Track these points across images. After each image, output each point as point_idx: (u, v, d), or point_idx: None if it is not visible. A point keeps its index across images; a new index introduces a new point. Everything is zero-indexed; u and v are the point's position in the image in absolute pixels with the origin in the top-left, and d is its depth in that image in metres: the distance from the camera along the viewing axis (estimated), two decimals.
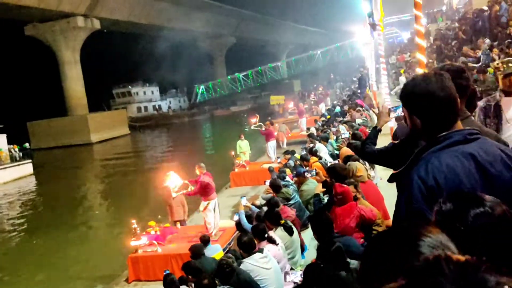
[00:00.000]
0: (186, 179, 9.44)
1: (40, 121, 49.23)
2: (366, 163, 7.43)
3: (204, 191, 9.11)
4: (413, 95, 1.70)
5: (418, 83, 1.68)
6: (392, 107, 3.34)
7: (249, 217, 6.97)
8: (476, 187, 1.52)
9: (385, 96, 12.91)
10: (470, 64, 12.38)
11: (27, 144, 32.74)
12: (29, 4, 41.10)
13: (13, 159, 30.21)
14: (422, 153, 1.66)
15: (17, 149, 31.08)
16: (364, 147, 3.16)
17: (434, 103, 1.63)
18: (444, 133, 1.63)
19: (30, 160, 31.13)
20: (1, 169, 28.42)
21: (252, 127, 17.78)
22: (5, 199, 23.42)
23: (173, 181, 9.24)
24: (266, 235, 5.40)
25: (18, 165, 29.95)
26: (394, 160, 2.39)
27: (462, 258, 0.74)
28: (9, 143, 31.29)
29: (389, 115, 3.29)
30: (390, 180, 2.18)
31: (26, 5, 40.98)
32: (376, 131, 3.27)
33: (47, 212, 19.49)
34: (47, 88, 60.40)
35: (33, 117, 49.51)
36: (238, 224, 7.27)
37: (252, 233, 5.49)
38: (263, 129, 17.43)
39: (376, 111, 3.61)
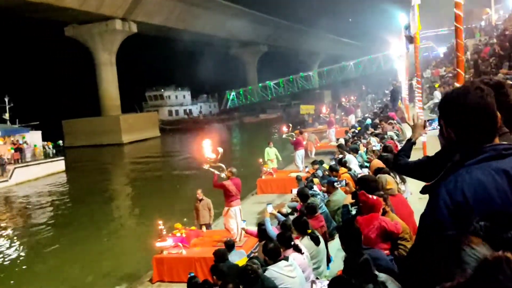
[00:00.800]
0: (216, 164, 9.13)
1: (75, 120, 50.61)
2: (397, 176, 7.32)
3: (224, 193, 9.12)
4: (451, 107, 1.67)
5: (458, 95, 1.65)
6: (428, 120, 3.28)
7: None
8: (508, 205, 1.47)
9: (418, 110, 12.70)
10: (509, 82, 12.05)
11: (60, 142, 33.61)
12: (70, 5, 42.41)
13: (46, 155, 31.05)
14: (455, 167, 1.63)
15: (50, 146, 31.93)
16: (397, 159, 3.10)
17: (471, 116, 1.59)
18: (479, 147, 1.60)
19: (63, 157, 31.93)
20: (35, 164, 29.26)
21: (284, 136, 17.77)
22: (37, 194, 24.07)
23: (208, 150, 8.98)
24: (292, 243, 5.36)
25: (51, 161, 30.75)
26: (428, 173, 2.35)
27: None
28: (44, 140, 32.19)
29: (424, 128, 3.23)
30: (423, 191, 2.14)
31: (67, 7, 42.29)
32: (410, 143, 3.22)
33: (75, 209, 19.93)
34: (83, 88, 61.98)
35: (69, 116, 50.92)
36: (261, 232, 7.24)
37: (278, 241, 5.46)
38: (293, 138, 17.40)
39: (411, 123, 3.55)
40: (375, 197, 4.55)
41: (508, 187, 1.51)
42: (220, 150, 9.06)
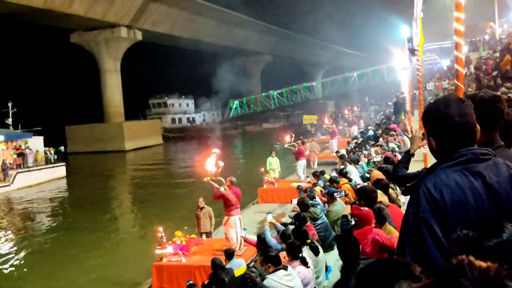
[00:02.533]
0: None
1: (78, 126, 50.81)
2: (397, 188, 7.33)
3: (224, 202, 9.15)
4: (431, 117, 1.74)
5: (438, 106, 1.72)
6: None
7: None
8: (482, 206, 1.55)
9: (420, 123, 12.74)
10: (510, 96, 12.07)
11: (62, 148, 33.72)
12: (76, 12, 42.78)
13: (48, 161, 31.14)
14: (435, 168, 1.69)
15: (52, 152, 32.03)
16: (396, 171, 3.14)
17: (449, 127, 1.67)
18: (458, 151, 1.65)
19: (64, 163, 32.05)
20: (37, 170, 29.36)
21: (286, 146, 17.77)
22: (39, 199, 24.12)
23: (210, 163, 8.98)
24: (300, 255, 5.38)
25: (53, 167, 30.87)
26: None
27: (484, 264, 0.78)
28: (46, 145, 32.31)
29: (422, 140, 3.27)
30: (404, 193, 2.20)
31: (73, 14, 42.67)
32: (409, 155, 3.26)
33: (75, 215, 19.96)
34: (87, 95, 62.29)
35: (72, 122, 51.09)
36: (261, 241, 7.25)
37: (287, 250, 5.47)
38: (295, 148, 17.40)
39: (410, 135, 3.60)
40: (366, 209, 4.57)
41: (483, 189, 1.59)
42: (221, 164, 9.09)
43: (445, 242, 1.48)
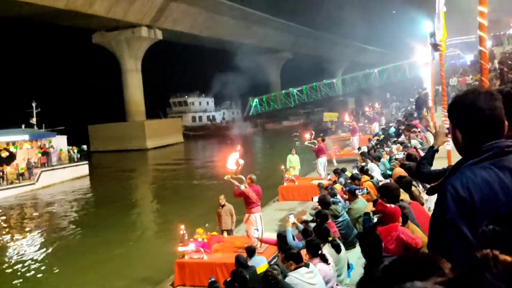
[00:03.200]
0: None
1: (100, 125, 51.57)
2: (420, 185, 7.24)
3: (244, 200, 9.19)
4: (459, 108, 1.71)
5: (467, 98, 1.69)
6: None
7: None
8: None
9: (443, 118, 12.53)
10: None
11: (84, 146, 34.23)
12: (98, 13, 43.37)
13: (71, 159, 31.71)
14: (460, 165, 1.65)
15: (75, 151, 32.57)
16: (420, 167, 3.10)
17: (478, 119, 1.63)
18: (484, 145, 1.62)
19: (87, 162, 32.61)
20: (61, 168, 29.93)
21: (306, 143, 17.69)
22: (63, 197, 24.58)
23: (231, 161, 9.09)
24: (319, 252, 5.37)
25: (76, 165, 31.41)
26: None
27: (508, 258, 0.77)
28: (70, 144, 32.89)
29: (446, 136, 3.22)
30: (429, 192, 2.16)
31: (95, 14, 43.27)
32: (433, 151, 3.21)
33: (99, 212, 20.30)
34: (109, 94, 63.12)
35: (94, 121, 51.89)
36: (282, 238, 7.23)
37: (306, 248, 5.47)
38: (315, 145, 17.31)
39: (433, 131, 3.54)
40: (393, 206, 4.52)
41: (511, 183, 1.54)
42: (241, 162, 9.13)
43: (474, 242, 1.45)
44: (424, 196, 6.71)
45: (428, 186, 7.07)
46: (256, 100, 69.47)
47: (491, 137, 1.64)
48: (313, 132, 18.97)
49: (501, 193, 1.52)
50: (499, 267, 0.75)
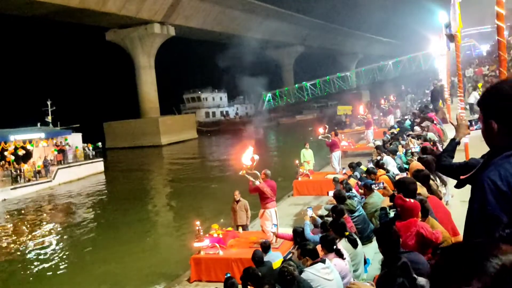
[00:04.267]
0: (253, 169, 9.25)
1: (115, 122, 52.04)
2: (437, 179, 7.14)
3: (260, 195, 9.18)
4: (495, 98, 1.65)
5: (502, 87, 1.64)
6: (472, 120, 3.20)
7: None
8: None
9: (460, 110, 12.34)
10: None
11: (99, 143, 34.54)
12: (111, 11, 43.67)
13: (86, 157, 32.04)
14: (493, 158, 1.59)
15: (90, 148, 32.90)
16: (441, 160, 3.03)
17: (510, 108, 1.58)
18: None
19: (102, 159, 32.93)
20: (77, 165, 30.27)
21: (320, 137, 17.57)
22: (79, 194, 24.86)
23: (246, 156, 9.08)
24: (334, 247, 5.33)
25: (91, 162, 31.74)
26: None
27: None
28: (84, 141, 33.24)
29: (468, 128, 3.15)
30: (458, 186, 2.09)
31: (108, 12, 43.58)
32: (454, 143, 3.14)
33: (115, 208, 20.47)
34: (123, 91, 63.63)
35: (109, 118, 52.37)
36: (298, 234, 7.20)
37: (321, 243, 5.43)
38: (329, 140, 17.19)
39: (455, 123, 3.46)
40: (412, 201, 4.44)
41: None
42: (256, 157, 9.10)
43: None
44: (442, 190, 6.61)
45: (445, 179, 6.98)
46: (269, 94, 69.38)
47: None
48: (327, 126, 18.84)
49: None
50: None
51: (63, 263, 13.17)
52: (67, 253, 14.14)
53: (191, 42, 66.81)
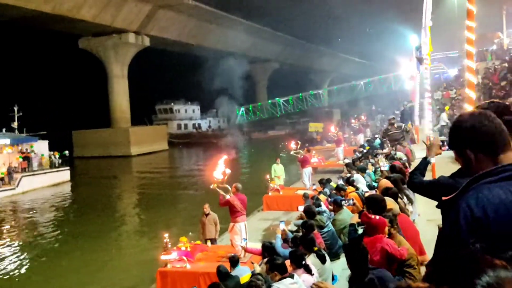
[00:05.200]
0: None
1: (85, 131, 51.04)
2: (404, 197, 7.26)
3: (230, 209, 9.14)
4: (465, 128, 1.70)
5: (467, 117, 1.71)
6: (443, 141, 3.29)
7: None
8: None
9: (428, 131, 12.68)
10: None
11: (66, 152, 33.79)
12: (85, 18, 43.10)
13: (52, 165, 31.26)
14: (475, 183, 1.63)
15: (57, 156, 32.14)
16: (412, 178, 3.11)
17: (485, 132, 1.64)
18: (501, 165, 1.60)
19: (68, 167, 32.18)
20: (42, 173, 29.47)
21: (292, 153, 17.71)
22: (43, 203, 24.17)
23: (218, 170, 9.06)
24: (303, 262, 5.32)
25: (57, 171, 30.97)
26: (444, 193, 2.35)
27: (422, 285, 0.76)
28: (53, 150, 32.45)
29: (440, 148, 3.24)
30: (440, 206, 2.13)
31: (82, 19, 42.98)
32: (426, 162, 3.23)
33: (79, 219, 19.97)
34: (94, 100, 62.63)
35: (79, 127, 51.34)
36: (267, 248, 7.17)
37: (290, 258, 5.42)
38: (301, 156, 17.34)
39: (428, 142, 3.56)
40: (377, 217, 4.51)
41: None
42: (228, 171, 9.09)
43: None
44: (409, 208, 6.72)
45: (412, 197, 7.11)
46: (242, 109, 69.52)
47: (502, 148, 1.65)
48: (299, 142, 18.99)
49: None
50: None
51: (23, 274, 12.70)
52: (28, 264, 13.65)
53: (166, 53, 66.53)
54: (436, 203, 1.97)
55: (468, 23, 4.98)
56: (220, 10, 56.24)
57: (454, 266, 0.92)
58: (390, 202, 5.37)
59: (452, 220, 1.56)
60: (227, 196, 9.05)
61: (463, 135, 1.72)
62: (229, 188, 9.13)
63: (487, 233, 1.45)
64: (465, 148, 1.71)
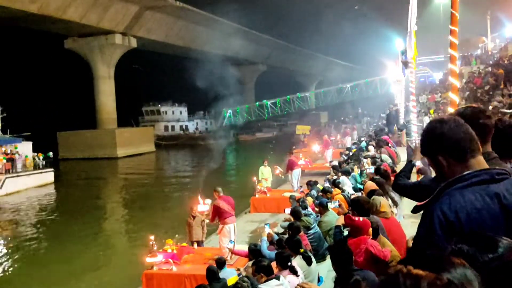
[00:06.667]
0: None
1: (70, 132, 50.46)
2: (389, 199, 7.34)
3: (218, 214, 9.20)
4: (435, 135, 1.74)
5: (436, 124, 1.75)
6: None
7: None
8: (498, 228, 1.51)
9: (413, 134, 12.83)
10: (502, 110, 12.21)
11: (50, 153, 33.40)
12: (71, 19, 42.76)
13: (36, 166, 30.87)
14: (447, 188, 1.67)
15: (41, 157, 31.76)
16: (397, 180, 3.16)
17: (454, 138, 1.68)
18: (472, 171, 1.64)
19: (52, 169, 31.78)
20: (25, 175, 29.08)
21: (281, 175, 17.84)
22: (28, 205, 23.86)
23: (202, 208, 9.53)
24: (289, 264, 5.35)
25: (41, 172, 30.58)
26: (426, 195, 2.41)
27: (421, 272, 0.80)
28: (38, 151, 32.05)
29: None
30: (414, 211, 2.18)
31: (68, 19, 42.63)
32: (411, 165, 3.28)
33: (63, 221, 19.72)
34: (80, 101, 62.03)
35: (64, 128, 50.76)
36: (253, 251, 7.19)
37: (276, 260, 5.44)
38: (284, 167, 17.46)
39: (413, 145, 3.63)
40: (361, 219, 4.56)
41: (499, 210, 1.56)
42: (208, 201, 9.63)
43: None
44: (394, 210, 6.79)
45: (397, 199, 7.19)
46: (230, 111, 69.48)
47: (473, 151, 1.68)
48: (281, 170, 18.88)
49: (488, 219, 1.54)
50: (409, 282, 0.78)
51: (7, 278, 12.53)
52: (11, 267, 13.46)
53: (153, 54, 66.23)
54: None
55: (452, 28, 5.07)
56: (208, 12, 56.22)
57: (420, 265, 0.95)
58: (384, 204, 5.43)
59: (427, 226, 1.61)
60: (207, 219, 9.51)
61: (433, 142, 1.76)
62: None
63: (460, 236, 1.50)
64: (436, 154, 1.75)
